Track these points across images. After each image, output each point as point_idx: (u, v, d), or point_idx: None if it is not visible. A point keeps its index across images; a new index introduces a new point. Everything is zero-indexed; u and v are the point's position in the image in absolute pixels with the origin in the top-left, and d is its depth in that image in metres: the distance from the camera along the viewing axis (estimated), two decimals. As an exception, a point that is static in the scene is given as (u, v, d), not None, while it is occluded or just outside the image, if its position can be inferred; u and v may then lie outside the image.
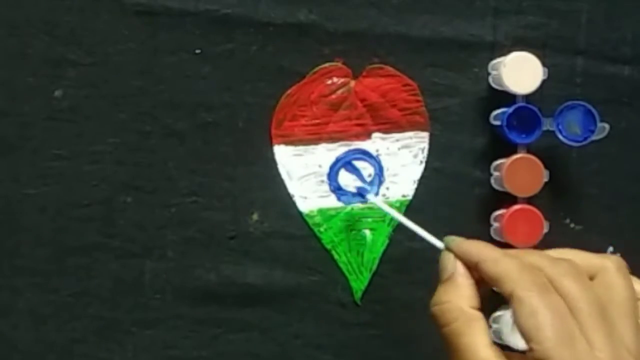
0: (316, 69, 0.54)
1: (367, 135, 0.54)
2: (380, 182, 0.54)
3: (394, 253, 0.54)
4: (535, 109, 0.52)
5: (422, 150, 0.54)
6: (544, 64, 0.52)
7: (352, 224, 0.54)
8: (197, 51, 0.53)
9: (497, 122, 0.53)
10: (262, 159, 0.54)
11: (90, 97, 0.53)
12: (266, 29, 0.53)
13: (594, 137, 0.52)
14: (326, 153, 0.54)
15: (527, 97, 0.53)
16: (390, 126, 0.54)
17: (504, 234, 0.52)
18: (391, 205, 0.54)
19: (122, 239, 0.53)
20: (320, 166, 0.54)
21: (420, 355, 0.54)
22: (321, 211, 0.54)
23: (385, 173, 0.54)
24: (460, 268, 0.44)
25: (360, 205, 0.54)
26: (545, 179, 0.53)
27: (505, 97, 0.53)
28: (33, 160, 0.52)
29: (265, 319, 0.54)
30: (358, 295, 0.54)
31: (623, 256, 0.53)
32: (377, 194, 0.54)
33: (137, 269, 0.53)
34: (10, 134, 0.52)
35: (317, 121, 0.54)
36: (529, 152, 0.53)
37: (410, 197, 0.54)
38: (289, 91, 0.53)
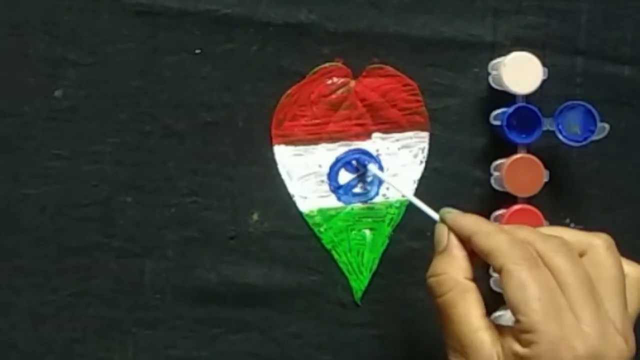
0: (316, 69, 0.54)
1: (367, 135, 0.54)
2: (381, 182, 0.54)
3: (394, 253, 0.54)
4: (535, 109, 0.52)
5: (422, 150, 0.54)
6: (544, 64, 0.52)
7: (352, 224, 0.54)
8: (197, 51, 0.53)
9: (497, 122, 0.53)
10: (262, 159, 0.54)
11: (90, 97, 0.53)
12: (266, 29, 0.53)
13: (594, 137, 0.52)
14: (326, 153, 0.54)
15: (527, 97, 0.53)
16: (390, 126, 0.54)
17: (504, 234, 0.52)
18: (391, 205, 0.54)
19: (122, 239, 0.53)
20: (320, 166, 0.54)
21: (420, 355, 0.54)
22: (321, 211, 0.54)
23: (386, 173, 0.54)
24: (454, 240, 0.44)
25: (360, 205, 0.54)
26: (545, 179, 0.53)
27: (505, 97, 0.53)
28: (33, 160, 0.52)
29: (265, 319, 0.54)
30: (358, 295, 0.54)
31: (623, 256, 0.53)
32: (377, 194, 0.54)
33: (137, 269, 0.53)
34: (10, 134, 0.52)
35: (317, 121, 0.54)
36: (529, 152, 0.53)
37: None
38: (289, 91, 0.53)
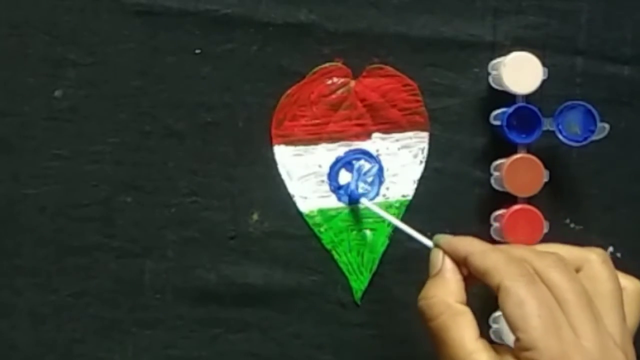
0: (316, 69, 0.54)
1: (367, 136, 0.54)
2: (380, 182, 0.54)
3: (394, 253, 0.54)
4: (535, 109, 0.52)
5: (422, 150, 0.54)
6: (544, 64, 0.52)
7: (352, 224, 0.54)
8: (197, 51, 0.53)
9: (497, 122, 0.53)
10: (262, 159, 0.54)
11: (90, 97, 0.53)
12: (266, 29, 0.53)
13: (594, 137, 0.52)
14: (326, 153, 0.54)
15: (527, 97, 0.53)
16: (390, 126, 0.54)
17: (504, 234, 0.52)
18: (391, 205, 0.54)
19: (122, 239, 0.53)
20: (320, 166, 0.54)
21: (420, 355, 0.54)
22: (321, 211, 0.54)
23: (385, 173, 0.54)
24: (448, 264, 0.44)
25: (360, 205, 0.54)
26: (545, 179, 0.52)
27: (505, 97, 0.53)
28: (33, 160, 0.52)
29: (265, 319, 0.54)
30: (358, 295, 0.54)
31: (623, 256, 0.53)
32: (377, 194, 0.54)
33: (137, 269, 0.53)
34: (10, 134, 0.52)
35: (317, 121, 0.54)
36: (529, 152, 0.53)
37: (410, 197, 0.54)
38: (288, 91, 0.53)
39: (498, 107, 0.53)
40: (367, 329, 0.54)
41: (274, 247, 0.54)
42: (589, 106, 0.52)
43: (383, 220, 0.54)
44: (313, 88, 0.54)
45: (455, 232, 0.46)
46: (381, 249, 0.54)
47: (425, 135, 0.54)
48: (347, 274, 0.54)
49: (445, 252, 0.44)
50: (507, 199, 0.53)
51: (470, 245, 0.44)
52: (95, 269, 0.53)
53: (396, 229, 0.54)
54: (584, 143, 0.52)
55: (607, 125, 0.52)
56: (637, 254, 0.55)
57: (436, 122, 0.54)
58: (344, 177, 0.54)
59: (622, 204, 0.56)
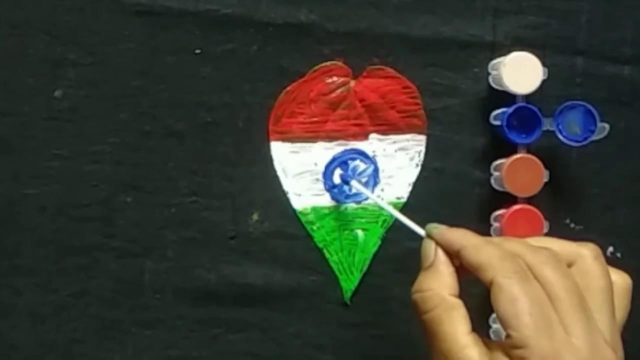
0: (317, 67, 0.54)
1: (365, 136, 0.54)
2: (376, 183, 0.54)
3: (393, 253, 0.54)
4: (535, 109, 0.52)
5: (419, 153, 0.54)
6: (544, 64, 0.52)
7: (344, 223, 0.54)
8: (197, 51, 0.53)
9: (497, 122, 0.53)
10: (262, 159, 0.54)
11: (90, 97, 0.53)
12: (266, 29, 0.53)
13: (594, 137, 0.52)
14: (323, 151, 0.54)
15: (527, 97, 0.53)
16: (388, 128, 0.54)
17: (504, 234, 0.52)
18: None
19: (122, 239, 0.53)
20: (316, 164, 0.54)
21: (420, 355, 0.54)
22: (314, 209, 0.54)
23: (381, 174, 0.54)
24: (441, 256, 0.44)
25: (353, 205, 0.54)
26: (545, 179, 0.52)
27: (505, 97, 0.53)
28: (33, 160, 0.52)
29: (265, 319, 0.54)
30: (347, 295, 0.54)
31: (623, 256, 0.53)
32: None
33: (137, 269, 0.53)
34: (10, 134, 0.52)
35: (315, 119, 0.54)
36: (529, 152, 0.53)
37: (404, 200, 0.54)
38: (288, 88, 0.53)
39: (498, 107, 0.53)
40: (367, 329, 0.54)
41: (274, 247, 0.54)
42: (589, 106, 0.52)
43: (376, 221, 0.54)
44: (313, 86, 0.54)
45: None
46: (373, 250, 0.54)
47: (422, 138, 0.54)
48: (337, 273, 0.54)
49: (438, 243, 0.44)
50: (507, 199, 0.53)
51: (463, 238, 0.43)
52: (95, 269, 0.53)
53: (389, 230, 0.54)
54: (584, 143, 0.52)
55: (607, 125, 0.52)
56: (637, 254, 0.55)
57: (436, 122, 0.54)
58: (339, 176, 0.54)
59: (622, 204, 0.56)
